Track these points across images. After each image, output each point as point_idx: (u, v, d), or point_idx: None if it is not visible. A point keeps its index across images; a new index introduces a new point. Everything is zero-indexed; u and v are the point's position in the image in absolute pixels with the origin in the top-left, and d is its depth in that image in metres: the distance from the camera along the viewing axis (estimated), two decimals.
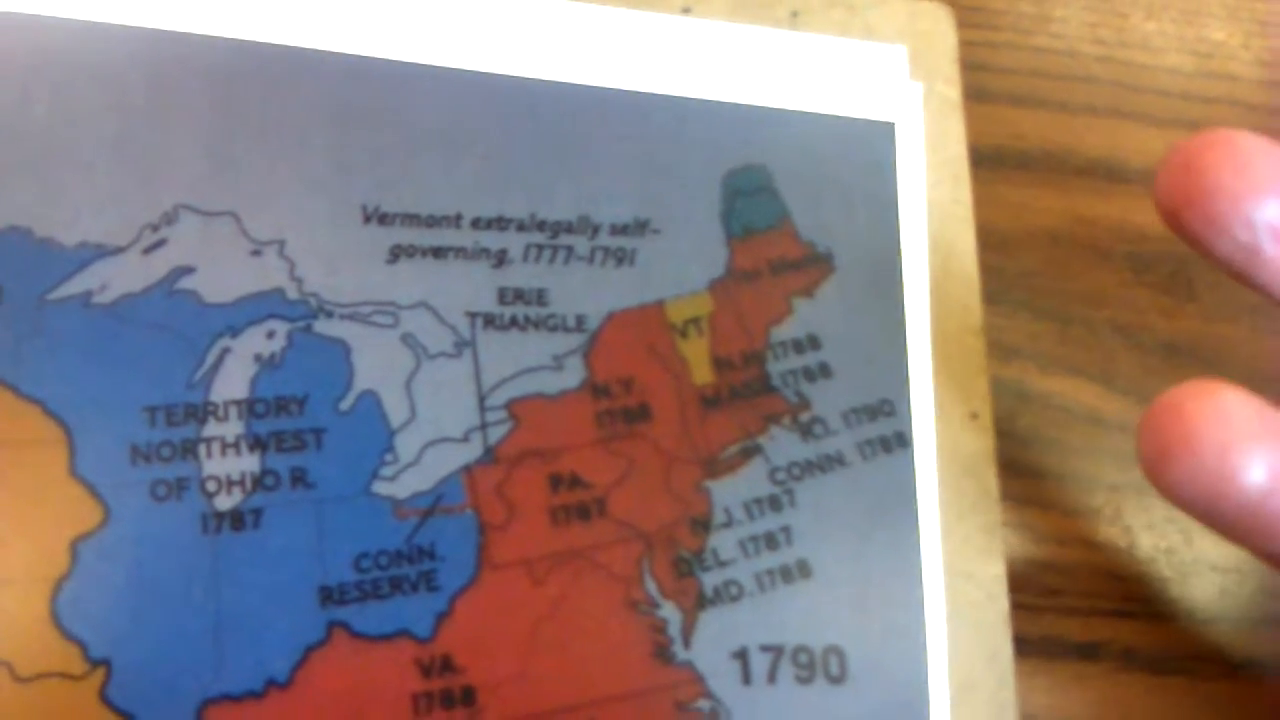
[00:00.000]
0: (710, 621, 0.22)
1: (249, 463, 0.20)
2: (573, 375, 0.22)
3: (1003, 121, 0.29)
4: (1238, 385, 0.17)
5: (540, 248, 0.23)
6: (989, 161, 0.28)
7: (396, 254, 0.22)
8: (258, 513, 0.20)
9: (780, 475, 0.23)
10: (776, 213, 0.24)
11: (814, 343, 0.23)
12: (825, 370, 0.23)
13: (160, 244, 0.21)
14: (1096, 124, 0.29)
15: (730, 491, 0.22)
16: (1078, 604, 0.25)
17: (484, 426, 0.22)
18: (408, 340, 0.22)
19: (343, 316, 0.21)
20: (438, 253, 0.22)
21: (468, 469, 0.21)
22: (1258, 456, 0.17)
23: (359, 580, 0.20)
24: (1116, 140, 0.29)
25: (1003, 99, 0.29)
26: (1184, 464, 0.17)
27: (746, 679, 0.21)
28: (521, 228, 0.23)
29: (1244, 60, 0.30)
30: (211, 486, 0.20)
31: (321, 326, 0.21)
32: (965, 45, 0.25)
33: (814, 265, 0.24)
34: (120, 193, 0.21)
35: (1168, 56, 0.30)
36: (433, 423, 0.21)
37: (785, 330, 0.23)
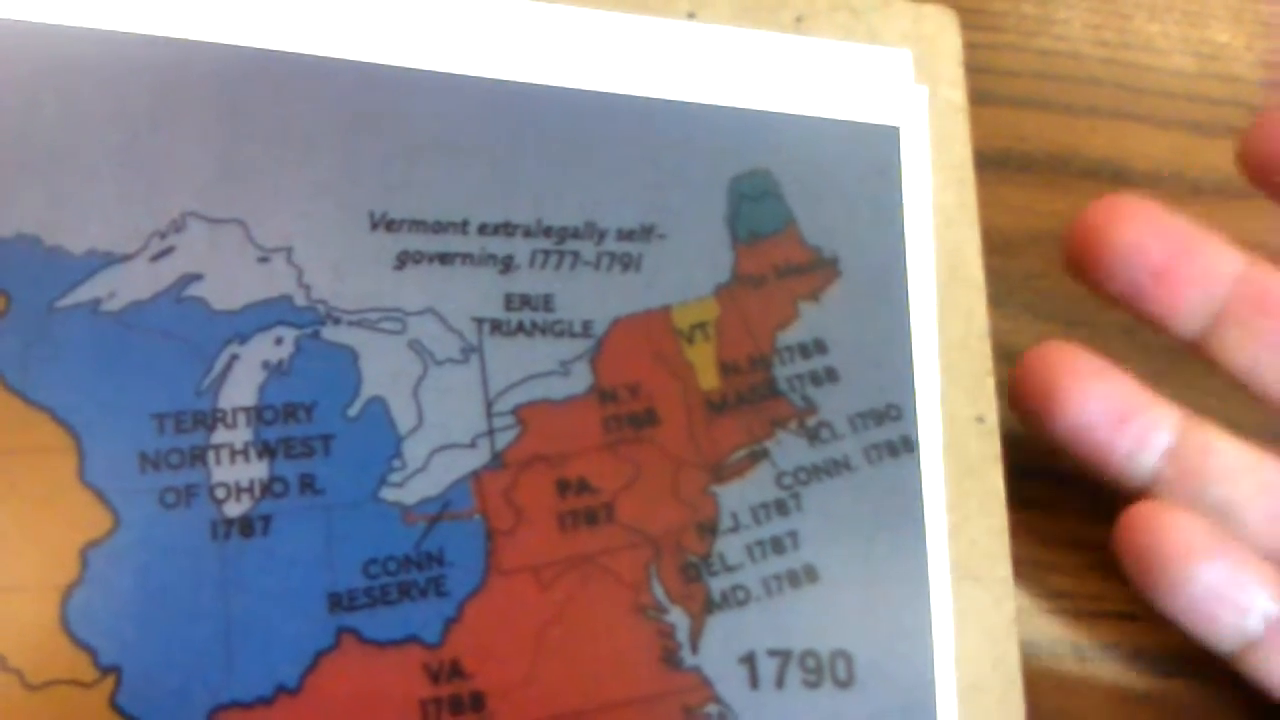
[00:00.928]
0: (718, 626, 0.22)
1: (258, 469, 0.21)
2: (579, 381, 0.22)
3: (1006, 124, 0.29)
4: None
5: (547, 254, 0.23)
6: (992, 164, 0.28)
7: (404, 260, 0.22)
8: (266, 519, 0.20)
9: (787, 480, 0.23)
10: (782, 217, 0.24)
11: (820, 347, 0.23)
12: (832, 375, 0.23)
13: (168, 251, 0.21)
14: (1100, 126, 0.29)
15: (737, 496, 0.22)
16: (1085, 606, 0.25)
17: (491, 432, 0.22)
18: (415, 346, 0.22)
19: (350, 323, 0.22)
20: (445, 259, 0.22)
21: (475, 475, 0.21)
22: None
23: (368, 586, 0.20)
24: (1120, 142, 0.29)
25: (1006, 101, 0.29)
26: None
27: (754, 683, 0.22)
28: (528, 234, 0.23)
29: (1247, 62, 0.30)
30: (220, 493, 0.20)
31: (329, 333, 0.21)
32: (968, 48, 0.25)
33: (820, 270, 0.24)
34: (128, 200, 0.21)
35: (1171, 58, 0.30)
36: (440, 429, 0.21)
37: (791, 335, 0.23)
